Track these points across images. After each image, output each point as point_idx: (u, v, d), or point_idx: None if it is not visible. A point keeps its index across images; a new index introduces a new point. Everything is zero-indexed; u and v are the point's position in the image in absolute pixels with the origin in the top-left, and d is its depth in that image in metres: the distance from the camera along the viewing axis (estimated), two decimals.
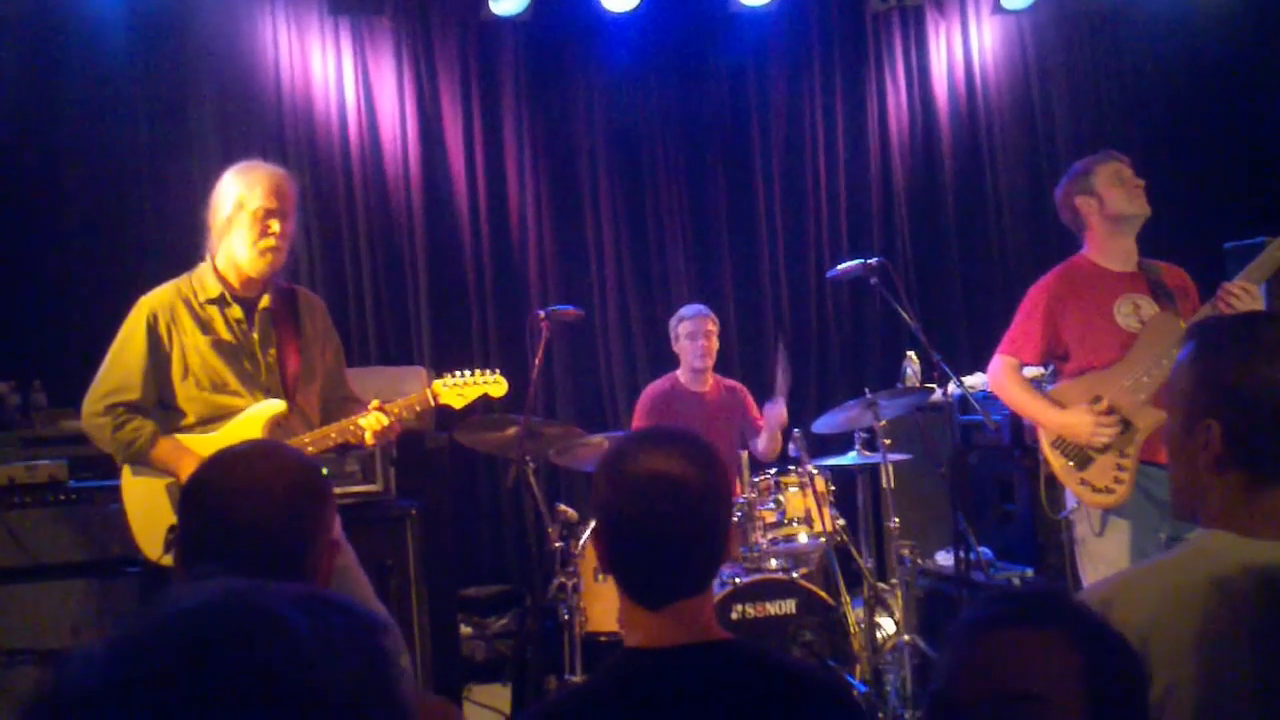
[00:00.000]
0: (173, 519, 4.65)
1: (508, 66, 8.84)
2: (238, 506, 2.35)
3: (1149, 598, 2.21)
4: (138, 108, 7.84)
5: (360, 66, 8.49)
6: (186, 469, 4.63)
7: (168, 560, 4.64)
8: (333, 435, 4.90)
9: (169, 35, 7.92)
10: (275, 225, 4.76)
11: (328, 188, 8.32)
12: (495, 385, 5.26)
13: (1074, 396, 5.14)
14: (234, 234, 4.78)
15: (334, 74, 8.43)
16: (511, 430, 6.17)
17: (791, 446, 6.57)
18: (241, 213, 4.75)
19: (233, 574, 2.28)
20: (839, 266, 6.53)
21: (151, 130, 7.87)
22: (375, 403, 4.96)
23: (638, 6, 8.57)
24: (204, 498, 2.41)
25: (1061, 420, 5.12)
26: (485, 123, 8.78)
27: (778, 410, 7.15)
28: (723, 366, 7.85)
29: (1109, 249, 5.29)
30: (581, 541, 6.21)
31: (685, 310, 7.47)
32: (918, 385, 7.91)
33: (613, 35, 8.93)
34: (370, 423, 4.89)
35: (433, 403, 5.13)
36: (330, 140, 8.39)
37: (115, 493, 4.92)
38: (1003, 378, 5.39)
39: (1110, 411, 5.01)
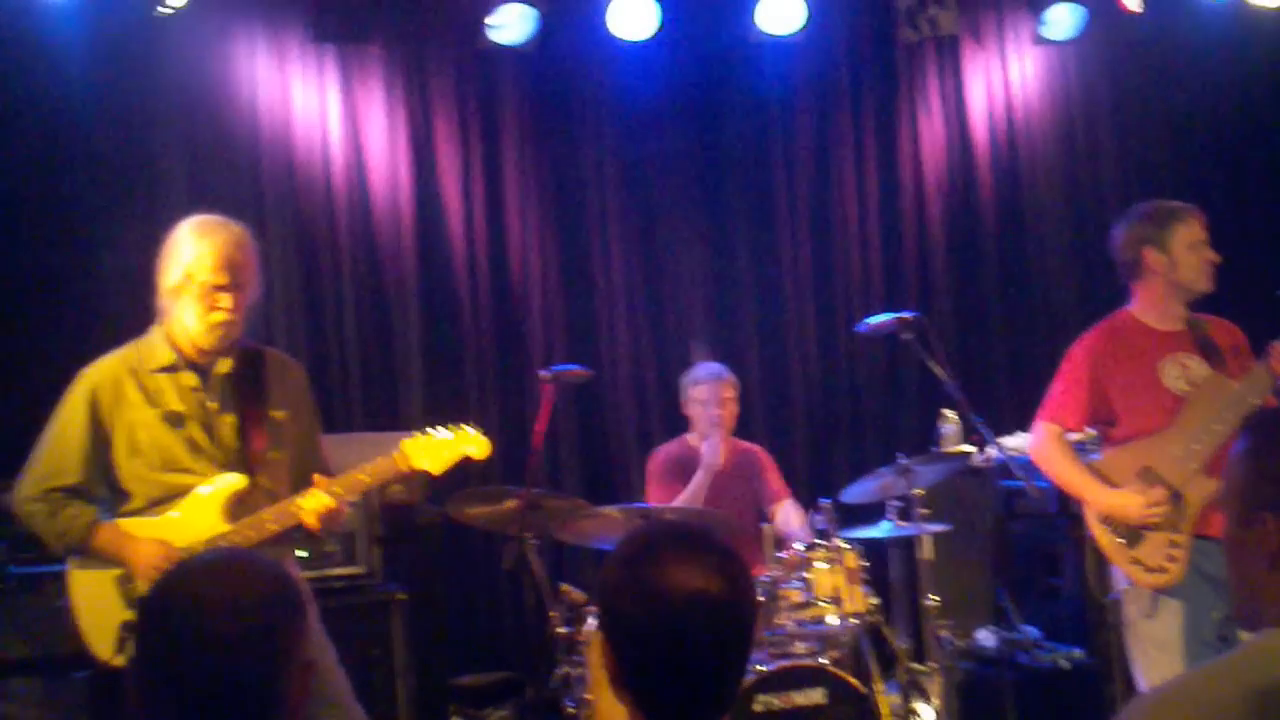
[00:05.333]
0: (124, 614, 4.56)
1: (510, 100, 8.74)
2: (202, 623, 2.28)
3: (1202, 703, 2.17)
4: (95, 145, 7.63)
5: (347, 100, 8.35)
6: (134, 556, 4.56)
7: (120, 661, 4.52)
8: (267, 520, 4.72)
9: (131, 64, 7.72)
10: (225, 300, 4.66)
11: (310, 234, 8.18)
12: (476, 444, 5.09)
13: (1121, 467, 5.14)
14: (182, 304, 4.68)
15: (317, 108, 8.28)
16: (511, 503, 6.08)
17: (819, 518, 6.47)
18: (190, 284, 4.65)
19: (194, 699, 2.30)
20: (870, 321, 6.53)
21: (110, 172, 7.67)
22: (317, 478, 4.80)
23: (653, 35, 8.48)
24: (164, 612, 2.34)
25: (1109, 501, 5.11)
26: (485, 162, 8.66)
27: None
28: (744, 428, 7.79)
29: (1159, 309, 5.32)
30: (588, 626, 6.06)
31: (700, 372, 7.41)
32: (956, 446, 7.91)
33: (625, 66, 8.84)
34: (310, 503, 4.72)
35: (403, 467, 4.93)
36: (313, 182, 8.21)
37: (62, 581, 4.76)
38: (1045, 448, 5.40)
39: (1166, 488, 5.03)
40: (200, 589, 2.34)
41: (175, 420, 4.72)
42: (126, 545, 4.60)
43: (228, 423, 4.79)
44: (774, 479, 7.59)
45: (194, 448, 4.73)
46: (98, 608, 4.66)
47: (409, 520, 6.66)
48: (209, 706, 2.28)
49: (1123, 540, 5.09)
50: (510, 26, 8.25)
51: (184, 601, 2.33)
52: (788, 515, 7.39)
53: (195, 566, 2.45)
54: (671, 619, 2.35)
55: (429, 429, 5.05)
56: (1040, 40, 9.31)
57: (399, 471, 4.96)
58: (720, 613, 2.35)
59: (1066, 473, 5.34)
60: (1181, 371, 5.18)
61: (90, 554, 4.66)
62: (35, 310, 7.47)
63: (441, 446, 5.02)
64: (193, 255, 4.66)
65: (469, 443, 5.09)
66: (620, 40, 8.54)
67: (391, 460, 4.92)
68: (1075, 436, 5.68)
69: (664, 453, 7.52)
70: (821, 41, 9.18)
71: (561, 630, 6.15)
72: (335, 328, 8.23)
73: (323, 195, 8.26)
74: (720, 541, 2.47)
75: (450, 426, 5.09)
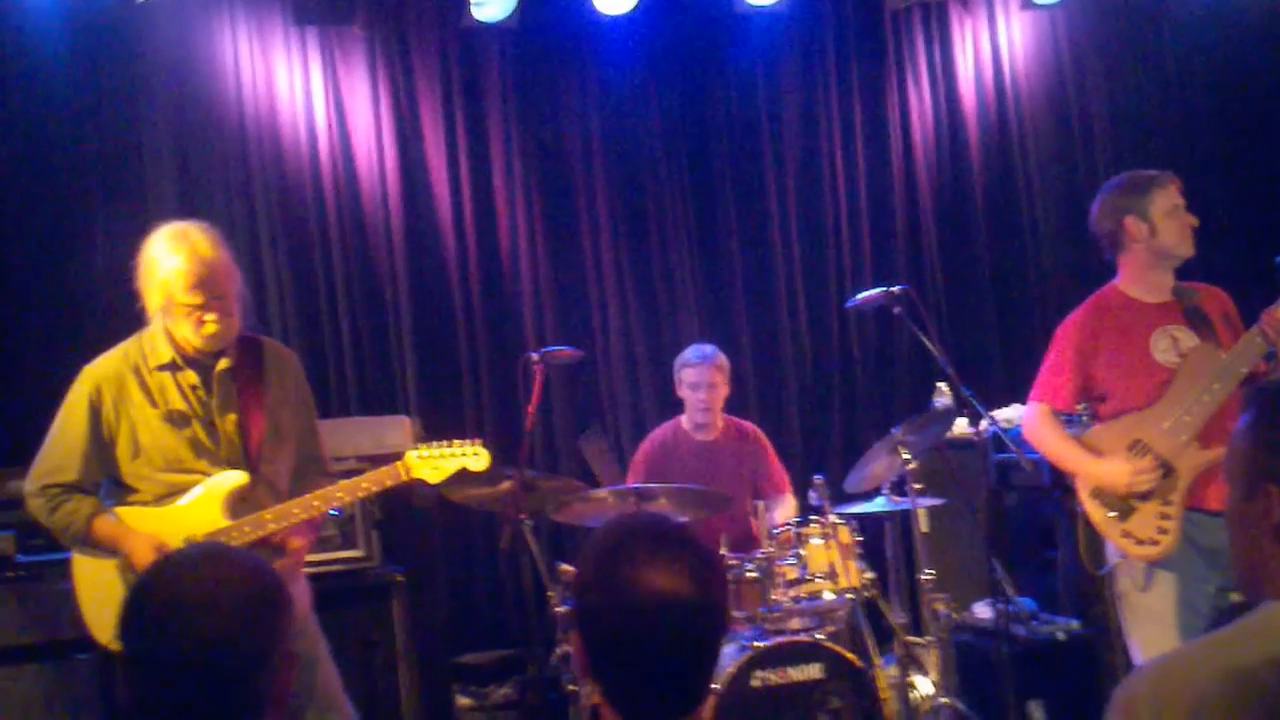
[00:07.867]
0: None
1: (493, 78, 8.83)
2: (182, 620, 2.38)
3: (1202, 675, 2.24)
4: (80, 134, 7.72)
5: (331, 82, 8.44)
6: (131, 550, 4.70)
7: (119, 646, 4.64)
8: (268, 519, 4.85)
9: (115, 53, 7.82)
10: (209, 315, 4.74)
11: (297, 217, 8.26)
12: (475, 458, 5.19)
13: (1111, 441, 5.25)
14: (173, 319, 4.79)
15: (302, 91, 8.38)
16: (505, 485, 6.15)
17: (813, 495, 6.55)
18: (172, 305, 4.73)
19: (177, 694, 2.41)
20: (859, 295, 6.61)
21: (99, 160, 7.76)
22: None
23: (634, 8, 8.55)
24: (145, 610, 2.44)
25: (1097, 469, 5.23)
26: (470, 140, 8.74)
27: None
28: (737, 404, 7.89)
29: (1145, 279, 5.41)
30: None
31: (690, 355, 7.47)
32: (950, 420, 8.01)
33: (608, 40, 8.93)
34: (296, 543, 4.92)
35: (404, 477, 5.06)
36: (300, 165, 8.31)
37: (67, 568, 4.93)
38: (1036, 426, 5.50)
39: (1155, 459, 5.15)
40: (181, 585, 2.45)
41: (178, 420, 4.85)
42: (124, 538, 4.74)
43: (230, 420, 4.91)
44: (777, 468, 7.67)
45: (197, 447, 4.86)
46: (100, 594, 4.81)
47: (405, 503, 6.72)
48: (191, 699, 2.39)
49: (1114, 514, 5.18)
50: (491, 4, 8.34)
51: (164, 597, 2.45)
52: (786, 508, 7.52)
53: (177, 562, 2.57)
54: (641, 618, 2.39)
55: (432, 443, 5.17)
56: (1028, 4, 9.44)
57: (400, 481, 5.09)
58: (689, 615, 2.40)
59: (1057, 449, 5.46)
60: (1171, 344, 5.27)
61: (91, 545, 4.80)
62: (26, 302, 7.58)
63: (442, 459, 5.13)
64: (166, 275, 4.74)
65: (469, 455, 5.19)
66: (602, 14, 8.62)
67: (394, 470, 5.05)
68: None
69: (650, 441, 7.62)
70: (806, 11, 9.29)
71: (560, 609, 6.26)
72: (327, 311, 8.33)
73: (310, 179, 8.35)
74: (695, 541, 2.52)
75: (453, 443, 5.19)
